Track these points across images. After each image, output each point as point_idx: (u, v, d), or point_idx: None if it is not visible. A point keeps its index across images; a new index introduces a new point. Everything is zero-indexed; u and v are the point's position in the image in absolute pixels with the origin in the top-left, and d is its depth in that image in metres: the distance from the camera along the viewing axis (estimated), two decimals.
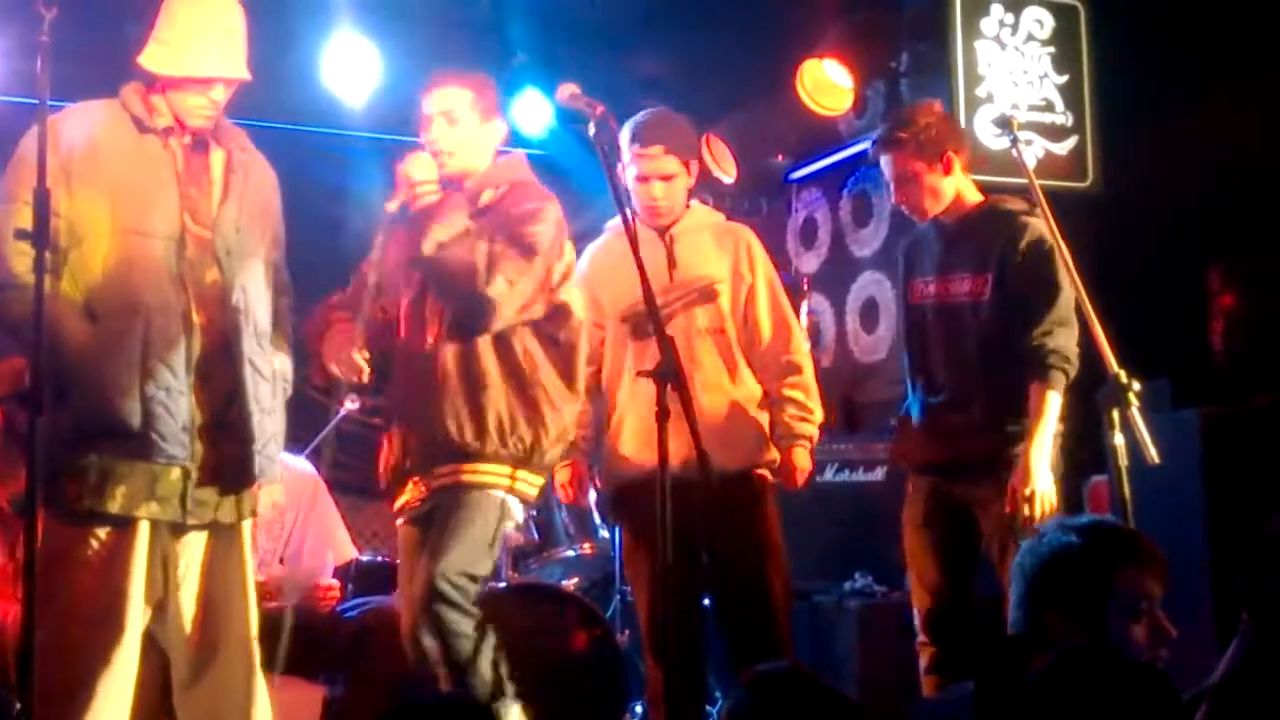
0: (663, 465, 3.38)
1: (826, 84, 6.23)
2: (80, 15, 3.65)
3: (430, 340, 4.00)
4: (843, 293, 7.28)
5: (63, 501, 3.35)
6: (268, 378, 3.57)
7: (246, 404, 3.50)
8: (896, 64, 6.37)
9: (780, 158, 7.51)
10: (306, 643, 4.62)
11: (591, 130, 3.68)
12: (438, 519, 3.94)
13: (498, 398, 3.95)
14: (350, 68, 6.05)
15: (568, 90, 3.80)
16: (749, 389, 4.60)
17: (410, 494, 4.04)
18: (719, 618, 4.64)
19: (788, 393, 4.60)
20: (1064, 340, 4.14)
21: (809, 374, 4.67)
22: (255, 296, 3.57)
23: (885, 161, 4.38)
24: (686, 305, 4.56)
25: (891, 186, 4.40)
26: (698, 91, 6.45)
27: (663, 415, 3.37)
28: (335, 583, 5.11)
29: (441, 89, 4.08)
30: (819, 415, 4.66)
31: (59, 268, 3.38)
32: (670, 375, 3.40)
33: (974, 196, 4.40)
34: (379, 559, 5.88)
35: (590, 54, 6.29)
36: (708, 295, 4.58)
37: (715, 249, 4.65)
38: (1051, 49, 6.00)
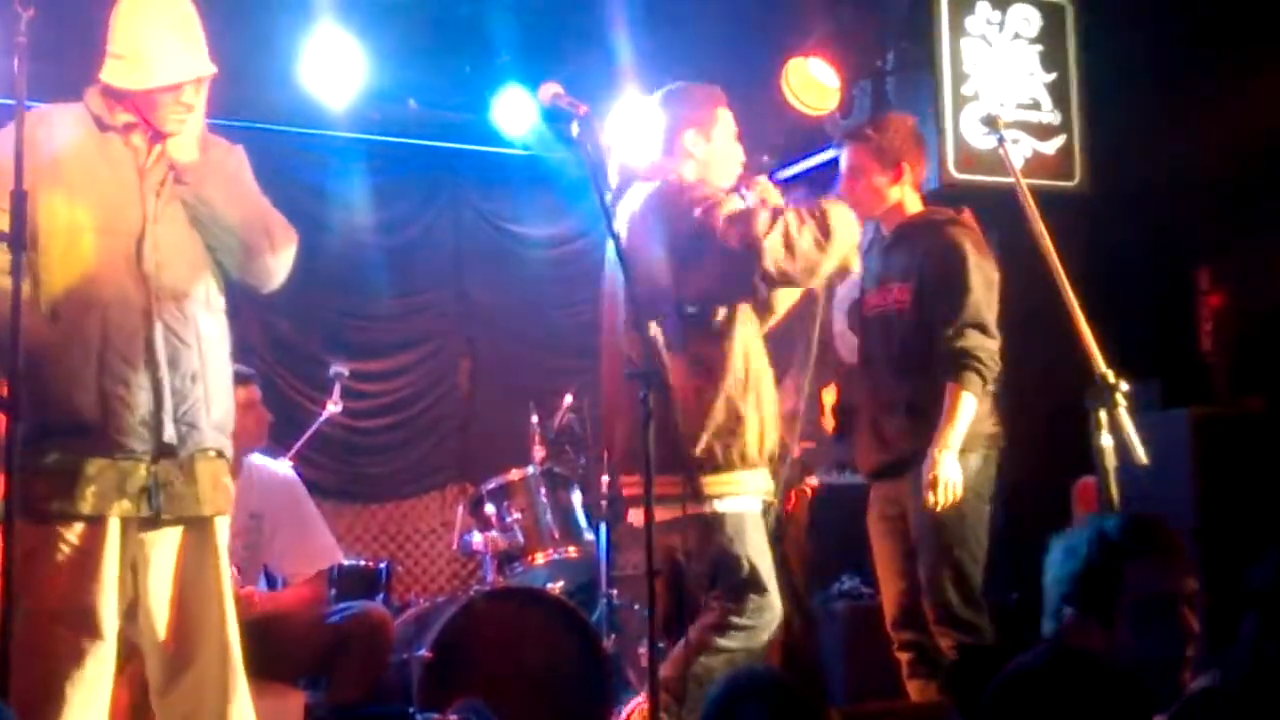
0: (647, 464, 3.37)
1: (812, 83, 6.20)
2: (58, 16, 3.61)
3: None
4: (828, 293, 7.22)
5: (32, 501, 3.26)
6: (189, 343, 3.42)
7: (158, 370, 3.37)
8: (882, 63, 6.33)
9: (766, 158, 7.47)
10: (287, 648, 4.60)
11: (575, 130, 3.66)
12: None
13: None
14: (332, 67, 6.00)
15: (551, 90, 3.77)
16: None
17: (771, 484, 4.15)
18: None
19: None
20: (976, 341, 4.22)
21: None
22: (170, 257, 3.43)
23: (845, 152, 4.51)
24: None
25: (842, 177, 4.50)
26: None
27: (645, 416, 3.37)
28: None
29: None
30: None
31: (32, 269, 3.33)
32: (651, 377, 3.38)
33: (914, 209, 4.49)
34: (361, 563, 5.84)
35: (574, 52, 6.25)
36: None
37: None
38: (1039, 47, 5.98)
